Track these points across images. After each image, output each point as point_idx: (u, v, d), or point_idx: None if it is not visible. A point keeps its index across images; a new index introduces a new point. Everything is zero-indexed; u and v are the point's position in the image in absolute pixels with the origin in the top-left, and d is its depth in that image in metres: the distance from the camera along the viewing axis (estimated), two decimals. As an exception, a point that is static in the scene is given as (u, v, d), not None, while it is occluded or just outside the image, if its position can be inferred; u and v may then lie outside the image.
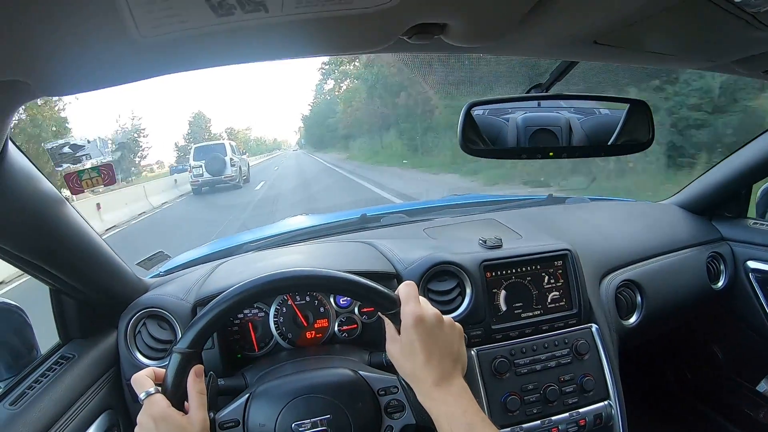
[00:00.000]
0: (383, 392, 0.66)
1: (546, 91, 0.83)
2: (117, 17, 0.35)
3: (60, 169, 0.69)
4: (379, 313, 0.66)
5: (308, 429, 0.62)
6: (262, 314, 0.90)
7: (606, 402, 0.89)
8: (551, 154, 0.82)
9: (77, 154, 0.67)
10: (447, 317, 0.64)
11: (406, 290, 0.63)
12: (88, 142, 0.66)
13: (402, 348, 0.61)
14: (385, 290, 0.63)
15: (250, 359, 0.88)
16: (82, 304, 0.84)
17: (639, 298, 1.05)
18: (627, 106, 0.85)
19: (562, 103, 0.85)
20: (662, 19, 0.51)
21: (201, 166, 13.52)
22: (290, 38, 0.46)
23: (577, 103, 0.86)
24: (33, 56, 0.38)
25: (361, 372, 0.68)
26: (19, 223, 0.62)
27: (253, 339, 0.89)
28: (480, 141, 0.77)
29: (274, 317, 0.90)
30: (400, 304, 0.62)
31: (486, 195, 1.71)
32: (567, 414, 0.87)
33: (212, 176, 13.32)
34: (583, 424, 0.87)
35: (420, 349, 0.59)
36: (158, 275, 1.07)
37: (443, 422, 0.57)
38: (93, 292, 0.82)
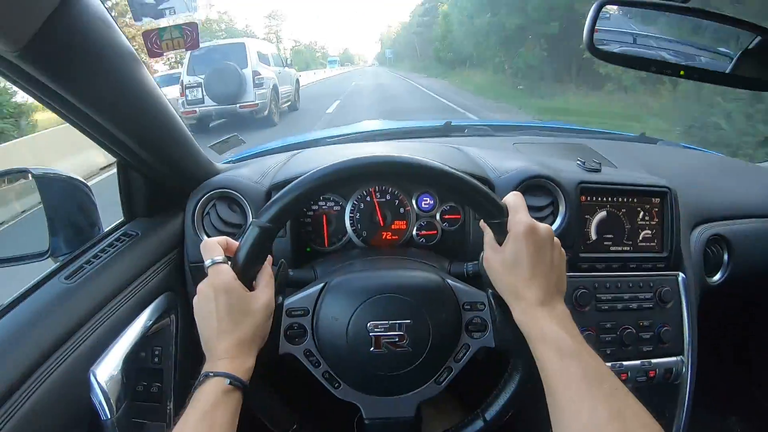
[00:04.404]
0: (468, 307, 0.60)
1: (685, 2, 0.72)
2: None
3: (139, 23, 0.62)
4: (482, 221, 0.60)
5: (384, 331, 0.57)
6: (338, 208, 0.86)
7: (679, 358, 0.85)
8: (682, 72, 0.72)
9: (160, 7, 0.61)
10: (556, 237, 0.57)
11: (515, 200, 0.57)
12: (174, -9, 0.59)
13: (504, 259, 0.55)
14: (494, 196, 0.57)
15: (320, 254, 0.85)
16: (149, 182, 0.81)
17: (726, 256, 0.98)
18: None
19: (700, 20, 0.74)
20: None
21: (199, 86, 7.61)
22: None
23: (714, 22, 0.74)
24: None
25: (448, 280, 0.62)
26: (91, 75, 0.57)
27: (325, 233, 0.86)
28: (608, 42, 0.67)
29: (351, 212, 0.85)
30: (507, 214, 0.56)
31: (574, 124, 1.61)
32: (639, 362, 0.83)
33: (218, 103, 7.59)
34: (652, 375, 0.83)
35: (526, 263, 0.54)
36: (230, 161, 1.04)
37: (544, 345, 0.52)
38: (164, 168, 0.78)
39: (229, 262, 0.57)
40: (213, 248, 0.58)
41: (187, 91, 7.76)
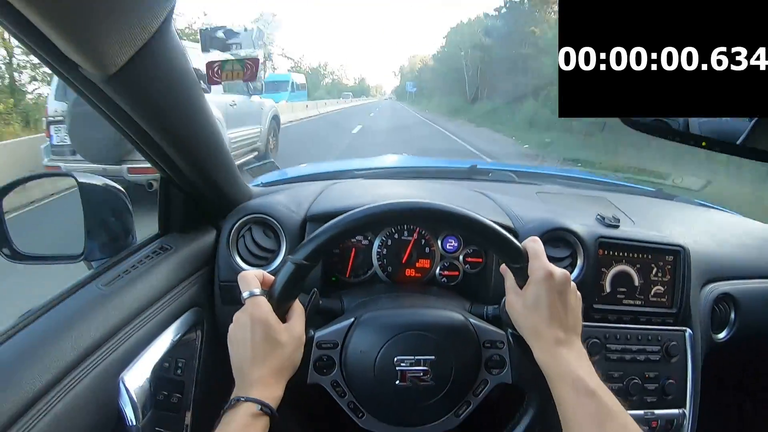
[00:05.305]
0: (488, 345, 0.64)
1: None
2: None
3: (206, 53, 0.67)
4: (504, 265, 0.64)
5: (410, 365, 0.61)
6: (366, 242, 0.89)
7: (681, 410, 0.88)
8: (704, 144, 0.76)
9: (228, 41, 0.65)
10: (572, 281, 0.62)
11: (534, 246, 0.62)
12: (245, 30, 0.64)
13: (525, 302, 0.60)
14: (517, 243, 0.61)
15: (345, 284, 0.88)
16: (188, 199, 0.85)
17: (733, 315, 1.01)
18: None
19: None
20: None
21: (61, 120, 3.93)
22: None
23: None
24: None
25: (471, 320, 0.66)
26: (165, 103, 0.61)
27: (350, 265, 0.89)
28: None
29: (378, 248, 0.89)
30: (528, 260, 0.61)
31: (595, 174, 1.66)
32: (642, 411, 0.86)
33: (91, 162, 3.74)
34: (654, 426, 0.86)
35: (546, 305, 0.58)
36: (260, 185, 1.07)
37: (562, 382, 0.56)
38: (205, 187, 0.82)
39: (266, 295, 0.60)
40: (251, 281, 0.61)
41: (53, 129, 4.15)
